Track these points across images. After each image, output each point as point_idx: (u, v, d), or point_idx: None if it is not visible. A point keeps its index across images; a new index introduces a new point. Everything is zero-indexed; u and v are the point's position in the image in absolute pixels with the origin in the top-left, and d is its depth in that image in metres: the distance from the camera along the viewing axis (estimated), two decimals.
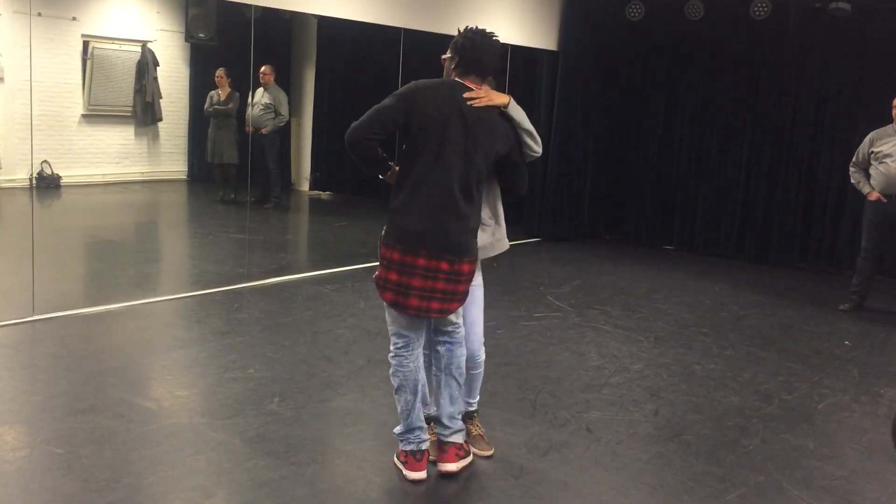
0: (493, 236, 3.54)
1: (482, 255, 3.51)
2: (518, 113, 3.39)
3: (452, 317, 3.45)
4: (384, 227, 3.39)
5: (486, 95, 3.31)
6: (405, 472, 3.48)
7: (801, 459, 3.93)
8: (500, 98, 3.34)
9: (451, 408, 3.49)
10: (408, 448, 3.48)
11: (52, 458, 3.49)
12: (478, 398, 3.81)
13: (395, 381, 3.49)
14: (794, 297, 7.35)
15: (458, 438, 3.52)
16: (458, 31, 3.43)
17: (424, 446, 3.49)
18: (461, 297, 3.37)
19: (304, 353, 5.07)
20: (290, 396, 4.32)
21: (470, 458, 3.61)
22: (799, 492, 3.59)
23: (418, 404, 3.48)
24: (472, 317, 3.60)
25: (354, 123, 3.30)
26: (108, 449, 3.58)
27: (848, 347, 5.91)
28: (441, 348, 3.48)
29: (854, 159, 6.83)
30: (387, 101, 3.31)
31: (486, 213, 3.50)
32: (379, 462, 3.64)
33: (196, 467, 3.50)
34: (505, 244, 3.59)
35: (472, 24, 3.46)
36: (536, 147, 3.44)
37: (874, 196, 6.61)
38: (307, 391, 4.42)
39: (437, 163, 3.27)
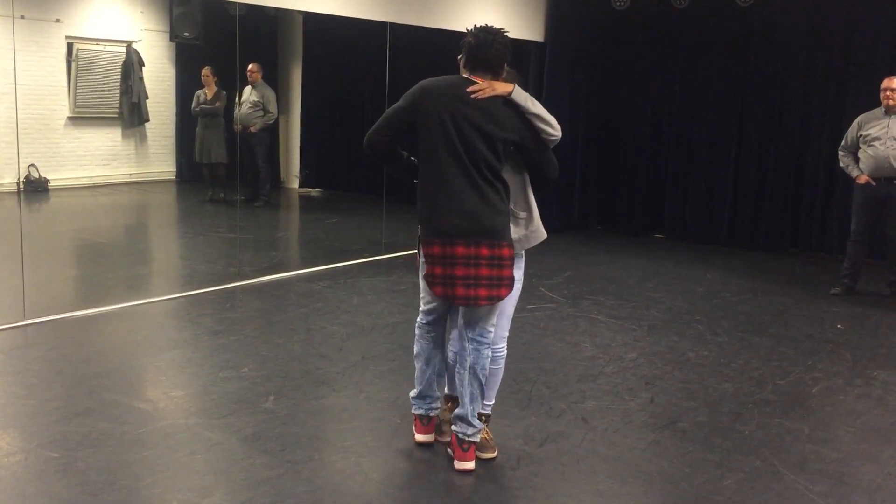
0: (527, 228, 3.52)
1: (519, 247, 3.52)
2: (524, 98, 3.38)
3: (489, 320, 3.50)
4: (419, 227, 3.47)
5: (488, 86, 3.34)
6: (415, 434, 3.74)
7: (796, 443, 3.95)
8: (504, 87, 3.35)
9: (472, 406, 3.52)
10: (418, 412, 3.72)
11: (47, 462, 3.47)
12: (493, 402, 3.77)
13: (415, 348, 3.72)
14: (786, 283, 7.37)
15: (476, 438, 3.56)
16: (466, 29, 3.47)
17: (433, 413, 3.72)
18: (508, 282, 3.39)
19: (298, 350, 5.06)
20: (285, 394, 4.31)
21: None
22: (795, 475, 3.60)
23: (431, 375, 3.67)
24: (501, 308, 3.59)
25: (370, 129, 3.49)
26: (103, 451, 3.57)
27: (840, 331, 5.93)
28: (469, 346, 3.51)
29: (843, 143, 6.84)
30: (398, 102, 3.45)
31: (518, 206, 3.50)
32: (376, 457, 3.64)
33: (193, 467, 3.50)
34: (541, 234, 3.58)
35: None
36: (552, 130, 3.43)
37: (863, 179, 6.63)
38: (302, 389, 4.41)
39: (448, 155, 3.33)
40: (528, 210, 3.53)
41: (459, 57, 3.50)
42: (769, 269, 7.91)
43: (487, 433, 3.70)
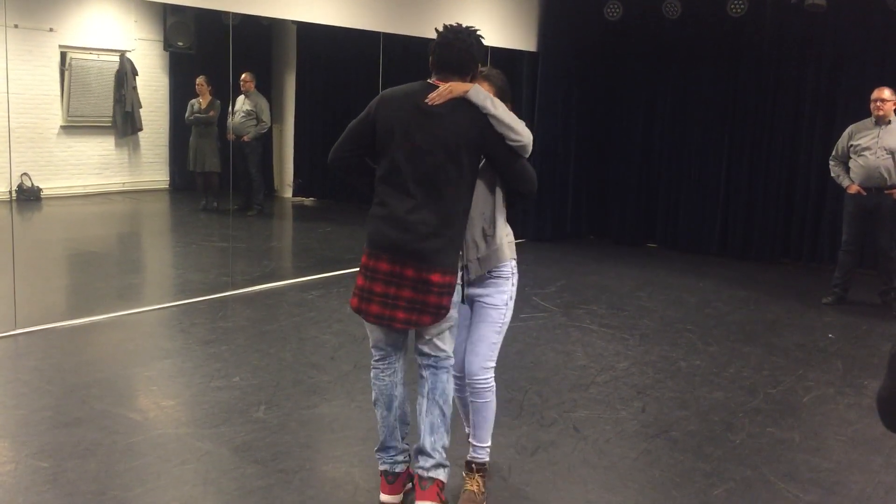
0: (489, 248, 3.18)
1: (485, 266, 3.19)
2: (482, 98, 3.03)
3: (438, 342, 3.15)
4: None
5: (445, 89, 3.04)
6: (380, 494, 3.29)
7: (786, 452, 3.96)
8: (461, 88, 3.03)
9: (432, 437, 3.18)
10: (381, 468, 3.30)
11: (37, 472, 3.46)
12: (488, 444, 3.34)
13: (372, 393, 3.33)
14: (778, 292, 7.39)
15: (440, 475, 3.19)
16: (436, 30, 3.24)
17: (399, 469, 3.27)
18: (434, 310, 3.05)
19: (290, 359, 5.05)
20: (277, 404, 4.30)
21: None
22: (785, 484, 3.61)
23: (393, 422, 3.26)
24: (479, 333, 3.23)
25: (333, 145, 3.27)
26: (93, 461, 3.56)
27: (831, 340, 5.95)
28: (425, 372, 3.20)
29: (833, 153, 6.88)
30: (359, 115, 3.23)
31: (487, 223, 3.18)
32: (366, 467, 3.63)
33: (183, 477, 3.49)
34: (502, 256, 3.21)
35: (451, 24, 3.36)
36: (514, 135, 3.03)
37: (854, 189, 6.66)
38: (293, 398, 4.41)
39: (396, 166, 3.09)
40: (494, 227, 3.18)
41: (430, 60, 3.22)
42: (761, 279, 7.93)
43: (479, 485, 3.30)
